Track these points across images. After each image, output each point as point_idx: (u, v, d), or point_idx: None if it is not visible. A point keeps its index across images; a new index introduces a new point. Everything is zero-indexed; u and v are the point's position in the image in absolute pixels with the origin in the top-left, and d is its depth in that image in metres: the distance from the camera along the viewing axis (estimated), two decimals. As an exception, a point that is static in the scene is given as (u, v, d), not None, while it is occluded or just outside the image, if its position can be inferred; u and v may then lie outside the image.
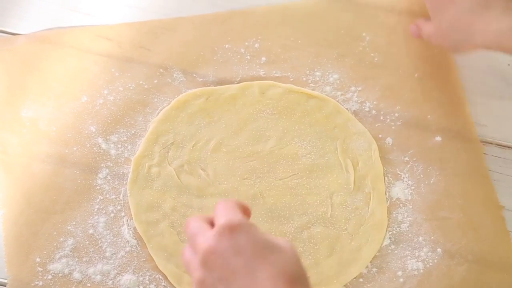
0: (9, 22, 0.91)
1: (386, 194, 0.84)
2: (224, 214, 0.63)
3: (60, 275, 0.77)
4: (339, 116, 0.88)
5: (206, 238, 0.62)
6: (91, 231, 0.80)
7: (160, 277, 0.78)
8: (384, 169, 0.86)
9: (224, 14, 0.93)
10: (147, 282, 0.78)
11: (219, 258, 0.61)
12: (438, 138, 0.88)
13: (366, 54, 0.93)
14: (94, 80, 0.88)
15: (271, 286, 0.59)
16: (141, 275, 0.78)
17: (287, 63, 0.92)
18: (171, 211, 0.82)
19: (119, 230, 0.81)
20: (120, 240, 0.80)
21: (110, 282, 0.77)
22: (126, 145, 0.85)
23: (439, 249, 0.81)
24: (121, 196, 0.82)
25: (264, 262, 0.60)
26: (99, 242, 0.80)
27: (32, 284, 0.76)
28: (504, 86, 0.92)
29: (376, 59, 0.92)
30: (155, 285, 0.78)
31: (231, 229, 0.62)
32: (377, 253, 0.81)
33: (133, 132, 0.86)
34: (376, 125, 0.89)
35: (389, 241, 0.82)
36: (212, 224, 0.65)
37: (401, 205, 0.84)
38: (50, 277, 0.77)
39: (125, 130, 0.86)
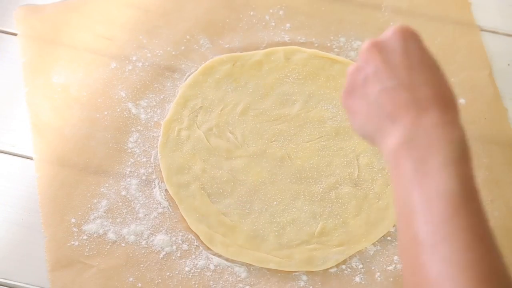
0: (10, 22, 0.92)
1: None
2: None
3: (95, 235, 0.79)
4: (363, 80, 0.90)
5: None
6: (123, 193, 0.82)
7: (193, 237, 0.80)
8: (408, 132, 0.87)
9: (248, -18, 0.94)
10: (180, 242, 0.80)
11: (383, 52, 0.59)
12: (462, 101, 0.89)
13: (388, 20, 0.94)
14: (123, 47, 0.90)
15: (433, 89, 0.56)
16: (173, 235, 0.80)
17: (312, 29, 0.93)
18: (201, 173, 0.83)
19: (151, 192, 0.82)
20: (152, 201, 0.82)
21: (144, 242, 0.79)
22: (155, 109, 0.87)
23: (465, 206, 0.82)
24: (152, 159, 0.84)
25: (430, 73, 0.57)
26: (132, 203, 0.81)
27: (68, 244, 0.78)
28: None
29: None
30: (188, 245, 0.79)
31: (405, 33, 0.59)
32: (404, 212, 0.83)
33: (162, 97, 0.88)
34: (400, 89, 0.90)
35: (415, 200, 0.83)
36: None
37: (426, 165, 0.85)
38: (85, 237, 0.79)
39: (154, 95, 0.88)
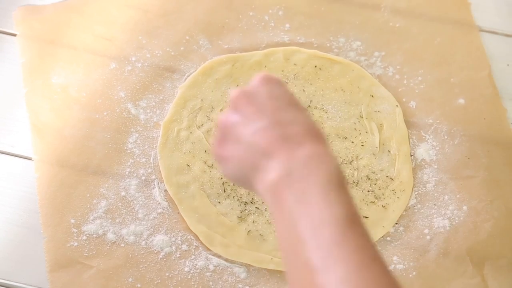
0: (10, 22, 0.92)
1: (411, 155, 0.86)
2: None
3: (94, 235, 0.79)
4: (363, 81, 0.90)
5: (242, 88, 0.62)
6: (123, 193, 0.82)
7: (192, 237, 0.80)
8: (408, 132, 0.87)
9: (248, -17, 0.94)
10: (179, 242, 0.79)
11: (251, 98, 0.61)
12: (461, 101, 0.89)
13: (387, 20, 0.94)
14: (122, 48, 0.90)
15: (302, 125, 0.58)
16: (173, 236, 0.80)
17: (311, 30, 0.93)
18: (201, 174, 0.83)
19: (151, 192, 0.82)
20: (151, 202, 0.82)
21: (143, 242, 0.79)
22: (154, 110, 0.87)
23: (464, 207, 0.82)
24: (151, 159, 0.84)
25: (297, 112, 0.59)
26: (131, 204, 0.81)
27: (68, 245, 0.78)
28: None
29: (397, 24, 0.94)
30: (187, 245, 0.79)
31: (269, 80, 0.62)
32: (404, 213, 0.83)
33: (161, 97, 0.88)
34: (400, 89, 0.90)
35: (415, 200, 0.83)
36: None
37: (426, 165, 0.85)
38: (84, 237, 0.79)
39: (153, 95, 0.88)
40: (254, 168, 0.59)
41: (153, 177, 0.83)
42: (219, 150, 0.63)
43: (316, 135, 0.58)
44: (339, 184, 0.55)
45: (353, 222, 0.53)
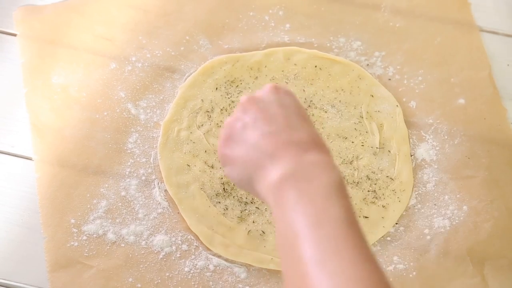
0: (10, 22, 0.92)
1: (411, 155, 0.86)
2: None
3: (94, 235, 0.79)
4: (363, 81, 0.90)
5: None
6: (123, 193, 0.82)
7: (192, 237, 0.80)
8: (408, 132, 0.87)
9: (248, -17, 0.94)
10: (179, 242, 0.79)
11: (261, 104, 0.63)
12: (462, 101, 0.89)
13: (387, 20, 0.94)
14: (122, 47, 0.90)
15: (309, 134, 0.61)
16: (173, 236, 0.80)
17: (311, 30, 0.93)
18: (201, 174, 0.83)
19: (151, 192, 0.82)
20: (151, 202, 0.81)
21: (144, 242, 0.79)
22: (155, 110, 0.87)
23: (465, 207, 0.82)
24: (151, 159, 0.84)
25: (304, 122, 0.62)
26: (131, 204, 0.81)
27: (68, 245, 0.78)
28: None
29: (398, 24, 0.94)
30: (187, 245, 0.79)
31: (279, 89, 0.65)
32: (404, 213, 0.83)
33: (161, 97, 0.88)
34: (400, 89, 0.90)
35: (415, 200, 0.83)
36: None
37: (426, 165, 0.85)
38: (84, 237, 0.79)
39: (153, 95, 0.88)
40: (258, 168, 0.60)
41: (153, 177, 0.83)
42: (224, 150, 0.65)
43: (321, 145, 0.61)
44: (341, 190, 0.56)
45: (351, 223, 0.54)
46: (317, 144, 0.60)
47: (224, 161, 0.66)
